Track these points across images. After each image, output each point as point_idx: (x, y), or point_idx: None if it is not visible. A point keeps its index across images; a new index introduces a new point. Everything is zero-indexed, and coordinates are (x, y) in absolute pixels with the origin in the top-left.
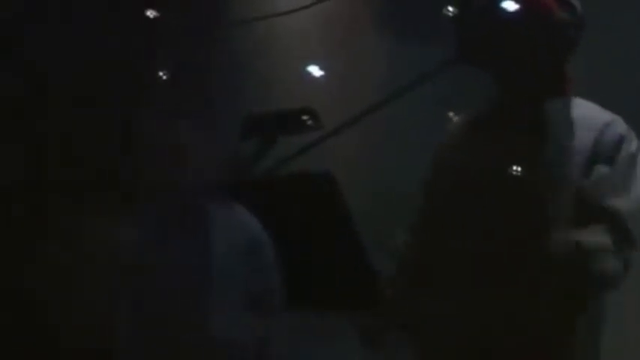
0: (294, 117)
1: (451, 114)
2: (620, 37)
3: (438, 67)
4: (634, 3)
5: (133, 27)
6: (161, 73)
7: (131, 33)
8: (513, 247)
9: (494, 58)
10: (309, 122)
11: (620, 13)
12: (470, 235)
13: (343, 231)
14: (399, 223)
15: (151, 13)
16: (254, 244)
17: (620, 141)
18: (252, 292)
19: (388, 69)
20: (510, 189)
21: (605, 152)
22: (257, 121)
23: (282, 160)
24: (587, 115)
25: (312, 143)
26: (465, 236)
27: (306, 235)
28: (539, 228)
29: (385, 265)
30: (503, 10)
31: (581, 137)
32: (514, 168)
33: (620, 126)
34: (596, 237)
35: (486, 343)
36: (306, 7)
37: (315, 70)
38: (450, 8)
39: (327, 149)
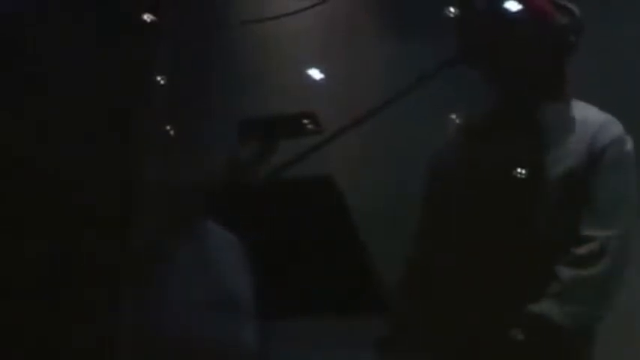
0: (294, 121)
1: (452, 115)
2: (619, 39)
3: (437, 69)
4: (634, 3)
5: (133, 28)
6: (161, 76)
7: (132, 35)
8: (513, 250)
9: (493, 60)
10: (310, 126)
11: (619, 13)
12: (470, 238)
13: (344, 235)
14: (400, 226)
15: (151, 15)
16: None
17: (615, 142)
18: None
19: (388, 71)
20: (508, 191)
21: (599, 153)
22: (257, 124)
23: (281, 164)
24: (584, 116)
25: (312, 147)
26: (465, 239)
27: (306, 240)
28: (536, 229)
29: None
30: (503, 14)
31: (577, 138)
32: (512, 170)
33: (615, 127)
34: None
35: (489, 349)
36: (306, 8)
37: (315, 73)
38: (451, 9)
39: (327, 153)
